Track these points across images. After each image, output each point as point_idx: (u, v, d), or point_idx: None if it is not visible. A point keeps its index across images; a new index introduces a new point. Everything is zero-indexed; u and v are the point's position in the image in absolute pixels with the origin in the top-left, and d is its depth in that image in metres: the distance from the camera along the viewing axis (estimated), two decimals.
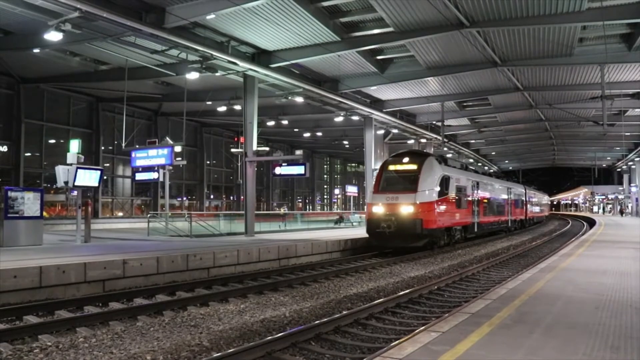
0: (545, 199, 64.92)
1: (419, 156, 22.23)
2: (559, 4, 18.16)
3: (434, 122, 39.40)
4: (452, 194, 22.37)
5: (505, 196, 33.78)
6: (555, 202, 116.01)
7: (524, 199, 41.44)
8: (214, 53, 20.13)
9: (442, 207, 21.35)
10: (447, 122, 37.38)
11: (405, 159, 21.83)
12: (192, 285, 12.71)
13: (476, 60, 24.88)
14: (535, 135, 50.38)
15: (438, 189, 20.80)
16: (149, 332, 8.41)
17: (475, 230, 26.34)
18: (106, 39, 19.58)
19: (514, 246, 26.00)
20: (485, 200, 28.52)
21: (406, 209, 19.95)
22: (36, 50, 22.02)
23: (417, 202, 19.99)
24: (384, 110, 33.52)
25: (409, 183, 20.68)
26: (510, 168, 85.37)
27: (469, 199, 25.16)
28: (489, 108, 37.27)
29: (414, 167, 21.21)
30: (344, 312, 9.72)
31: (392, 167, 21.87)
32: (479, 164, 62.09)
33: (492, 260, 18.66)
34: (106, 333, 8.31)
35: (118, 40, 19.83)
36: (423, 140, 41.92)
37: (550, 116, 39.41)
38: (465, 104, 36.99)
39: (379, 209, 20.49)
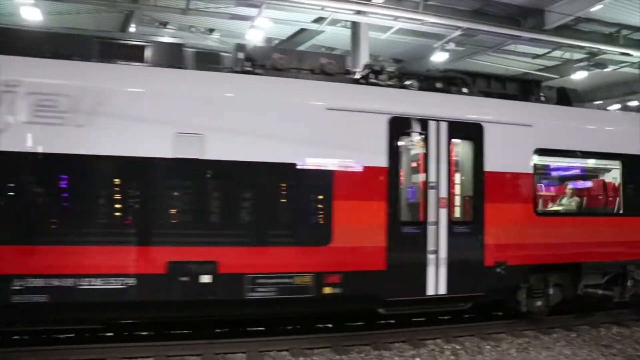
0: None
1: None
2: None
3: None
4: None
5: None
6: None
7: None
8: (602, 47, 18.74)
9: None
10: None
11: None
12: None
13: None
14: None
15: None
16: (555, 347, 8.33)
17: None
18: (487, 52, 20.10)
19: None
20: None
21: None
22: None
23: None
24: None
25: None
26: None
27: None
28: None
29: None
30: None
31: None
32: None
33: None
34: (511, 343, 8.46)
35: (498, 50, 20.14)
36: None
37: None
38: None
39: None
